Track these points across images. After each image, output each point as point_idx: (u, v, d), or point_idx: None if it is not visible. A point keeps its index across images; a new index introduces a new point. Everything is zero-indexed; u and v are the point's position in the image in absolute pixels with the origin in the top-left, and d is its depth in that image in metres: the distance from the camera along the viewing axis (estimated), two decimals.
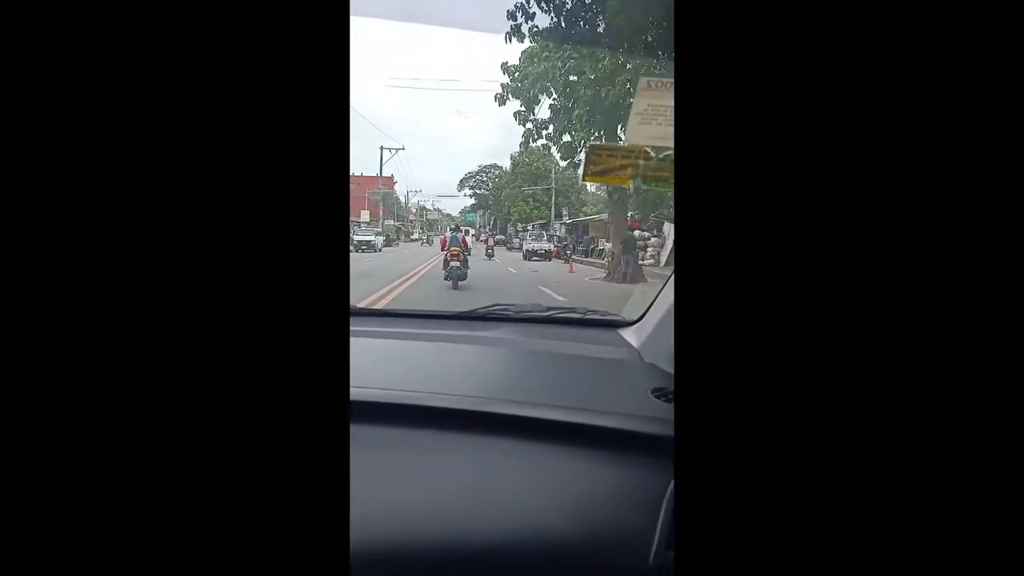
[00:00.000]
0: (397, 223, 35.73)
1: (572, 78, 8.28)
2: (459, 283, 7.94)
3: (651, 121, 0.87)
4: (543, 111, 9.58)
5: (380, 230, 24.60)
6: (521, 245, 20.15)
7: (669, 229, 12.85)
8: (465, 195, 40.92)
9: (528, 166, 29.71)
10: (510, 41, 7.71)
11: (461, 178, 41.01)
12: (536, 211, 28.08)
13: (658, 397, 0.80)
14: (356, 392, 0.49)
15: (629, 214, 10.61)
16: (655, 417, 0.71)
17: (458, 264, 8.02)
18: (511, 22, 7.60)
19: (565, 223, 22.84)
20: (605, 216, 16.94)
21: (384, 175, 28.80)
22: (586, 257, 16.38)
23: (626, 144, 0.89)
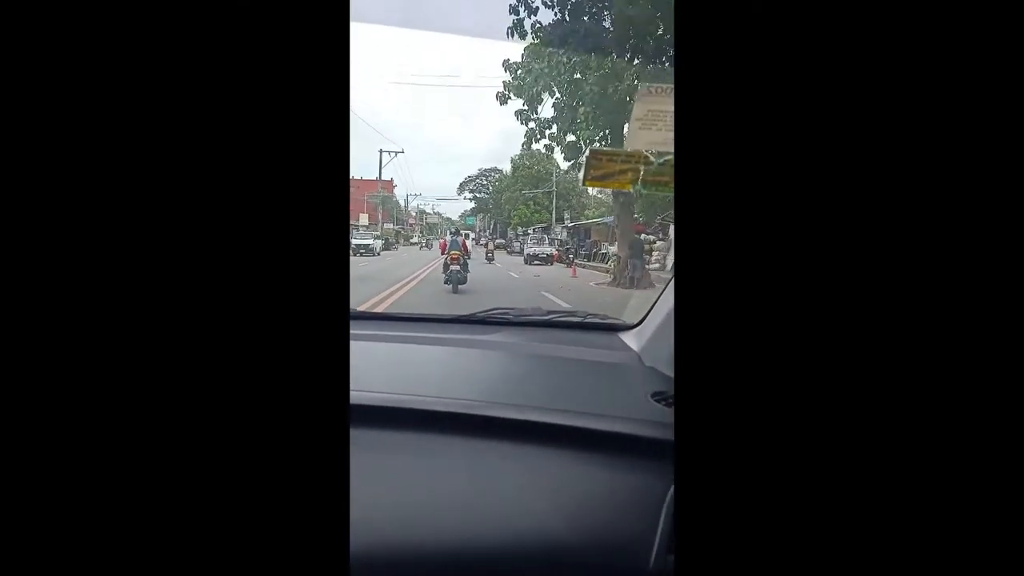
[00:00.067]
0: (396, 227, 35.59)
1: (576, 76, 7.94)
2: (459, 287, 7.92)
3: (651, 126, 0.87)
4: (546, 110, 9.27)
5: (379, 234, 24.40)
6: (522, 249, 20.02)
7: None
8: (465, 198, 40.88)
9: (528, 169, 29.57)
10: (512, 36, 7.46)
11: (461, 182, 40.95)
12: (537, 215, 27.91)
13: (658, 401, 0.79)
14: (356, 396, 0.50)
15: (635, 217, 10.30)
16: (655, 421, 0.71)
17: (458, 268, 7.99)
18: (513, 16, 7.35)
19: (567, 227, 22.59)
20: (608, 219, 16.72)
21: (384, 178, 28.68)
22: (588, 261, 16.14)
23: (626, 149, 0.89)
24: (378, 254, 19.55)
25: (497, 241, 24.96)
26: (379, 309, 5.43)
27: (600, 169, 0.93)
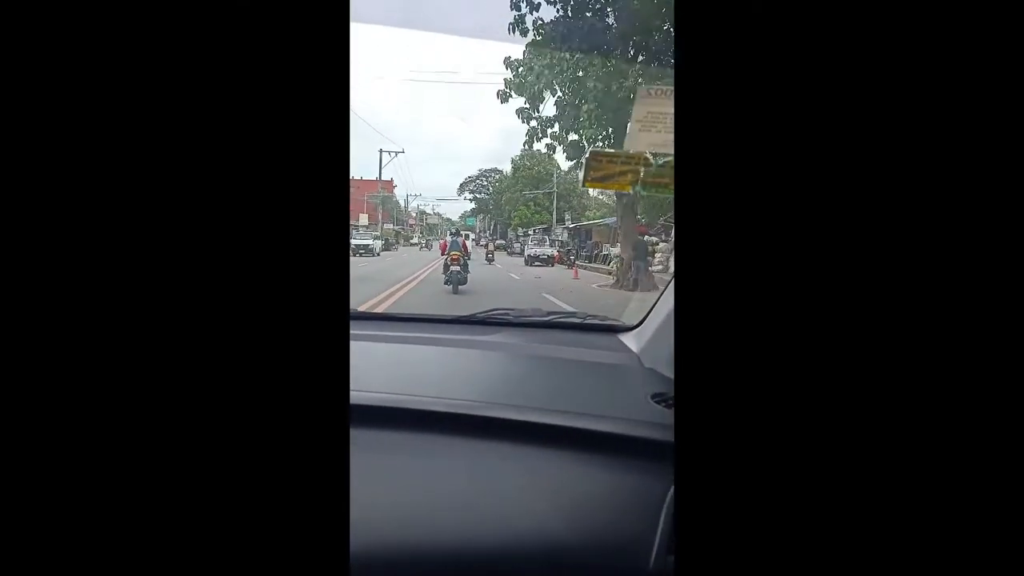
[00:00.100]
0: (396, 227, 35.51)
1: (580, 73, 7.77)
2: (459, 287, 7.94)
3: (651, 128, 0.86)
4: (548, 108, 9.09)
5: (379, 234, 24.29)
6: (522, 250, 19.98)
7: None
8: (465, 199, 40.80)
9: (529, 170, 29.49)
10: (513, 32, 7.33)
11: (461, 182, 40.86)
12: (537, 215, 27.82)
13: (658, 402, 0.80)
14: (356, 396, 0.50)
15: (638, 218, 10.13)
16: (655, 422, 0.71)
17: (458, 268, 8.01)
18: (514, 12, 7.21)
19: (568, 227, 22.46)
20: (610, 220, 16.60)
21: (384, 179, 28.58)
22: (590, 263, 16.01)
23: (626, 150, 0.90)
24: (378, 254, 19.51)
25: (497, 242, 24.88)
26: (379, 310, 5.34)
27: (600, 170, 0.93)
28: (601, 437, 0.68)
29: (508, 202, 30.74)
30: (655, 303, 1.15)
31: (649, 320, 1.14)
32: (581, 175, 1.12)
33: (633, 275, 8.98)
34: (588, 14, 6.97)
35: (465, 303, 6.61)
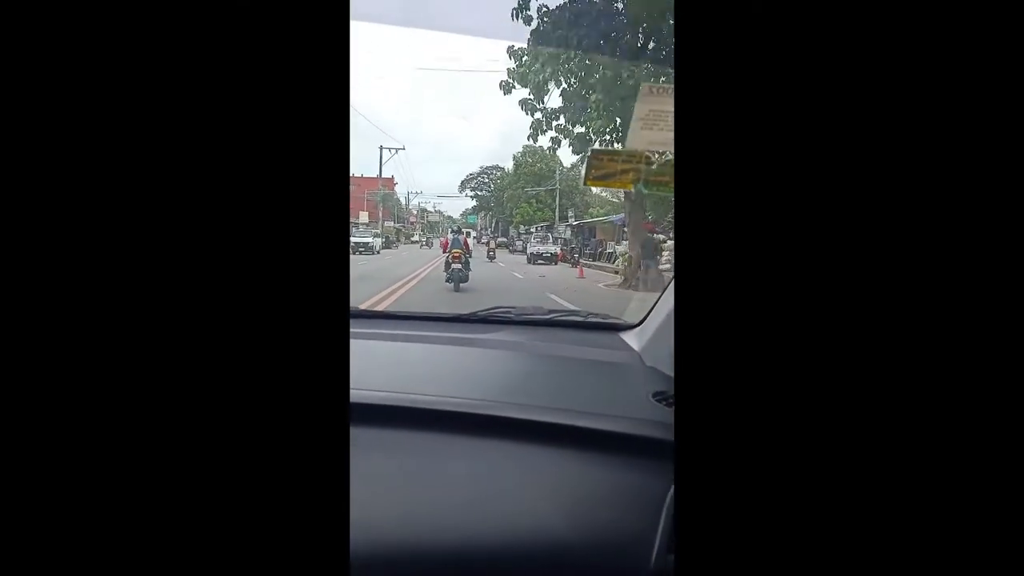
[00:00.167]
0: (397, 225, 35.30)
1: (587, 61, 7.40)
2: (460, 285, 8.01)
3: (652, 126, 0.87)
4: (553, 100, 8.71)
5: (379, 231, 24.03)
6: (524, 248, 19.74)
7: None
8: (467, 196, 40.51)
9: (531, 167, 29.22)
10: (516, 18, 6.99)
11: (463, 179, 40.58)
12: (539, 213, 27.54)
13: (659, 401, 0.79)
14: (357, 394, 0.49)
15: (647, 215, 9.77)
16: (656, 421, 0.71)
17: (460, 266, 8.08)
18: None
19: (571, 225, 22.14)
20: (614, 218, 16.31)
21: (384, 176, 28.33)
22: (594, 261, 15.72)
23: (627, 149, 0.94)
24: (378, 252, 19.39)
25: (499, 240, 24.62)
26: (379, 309, 5.22)
27: (602, 169, 0.93)
28: (602, 435, 0.67)
29: (510, 199, 30.47)
30: (656, 301, 1.14)
31: (650, 318, 1.14)
32: (582, 174, 1.08)
33: (643, 274, 8.66)
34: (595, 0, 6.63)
35: (467, 302, 6.47)
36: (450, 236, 8.89)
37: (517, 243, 25.21)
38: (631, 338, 1.19)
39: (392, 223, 33.24)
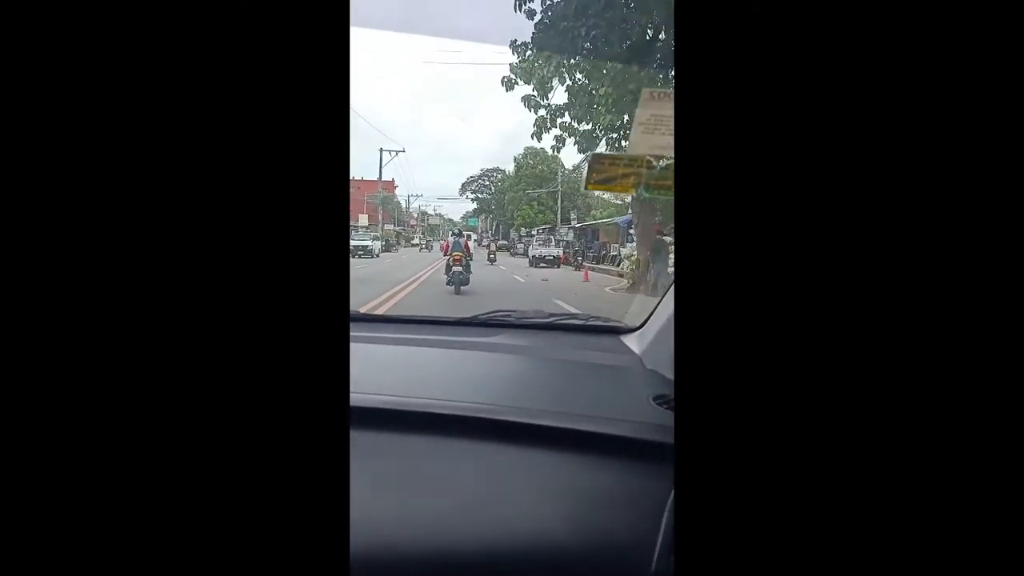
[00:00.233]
0: (398, 228, 35.07)
1: (594, 55, 7.02)
2: (461, 288, 8.00)
3: (654, 131, 0.85)
4: (558, 96, 8.32)
5: (378, 234, 23.74)
6: (525, 250, 19.52)
7: None
8: (467, 198, 40.24)
9: (532, 168, 28.97)
10: (519, 10, 6.66)
11: (463, 182, 40.31)
12: (541, 215, 27.27)
13: (660, 404, 0.79)
14: (357, 398, 0.50)
15: (656, 217, 9.39)
16: (657, 424, 0.71)
17: (460, 269, 8.08)
18: None
19: (573, 227, 21.83)
20: (618, 220, 16.00)
21: (385, 179, 28.03)
22: (597, 264, 15.39)
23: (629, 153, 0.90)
24: (377, 256, 19.36)
25: (500, 242, 24.38)
26: (379, 312, 5.00)
27: (603, 173, 0.92)
28: (603, 439, 0.67)
29: (511, 202, 30.21)
30: (657, 304, 1.13)
31: (651, 322, 1.13)
32: (584, 178, 1.05)
33: (653, 278, 8.30)
34: None
35: (468, 305, 6.31)
36: (451, 239, 8.89)
37: (518, 246, 24.96)
38: (632, 341, 1.18)
39: (392, 226, 32.99)
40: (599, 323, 1.38)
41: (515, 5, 6.42)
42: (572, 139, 8.27)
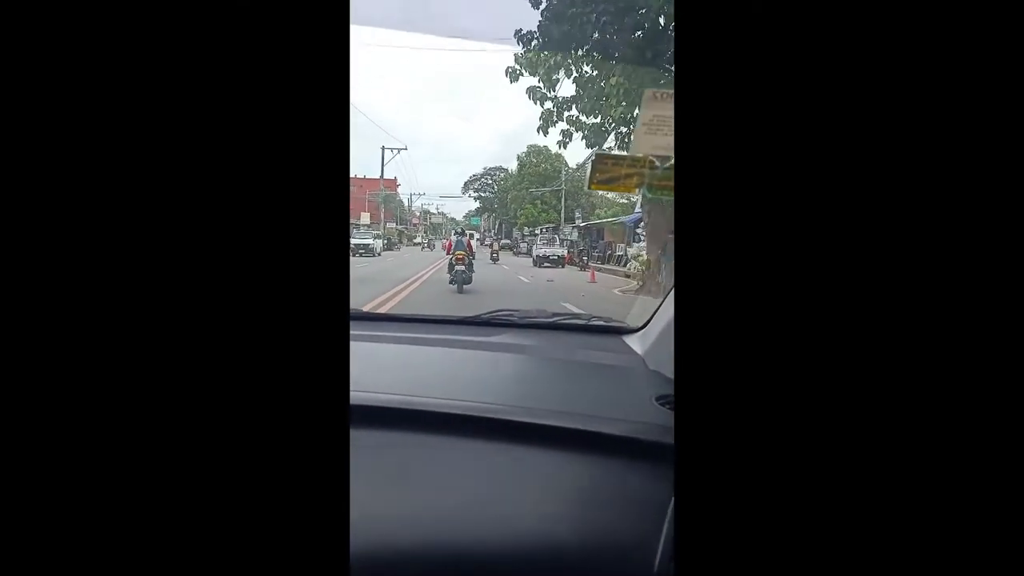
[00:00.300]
0: (400, 227, 34.87)
1: (604, 40, 6.63)
2: (464, 287, 8.05)
3: (657, 131, 0.86)
4: (565, 89, 7.96)
5: (380, 233, 23.48)
6: (529, 250, 19.29)
7: None
8: (470, 197, 40.02)
9: (536, 167, 28.72)
10: None
11: (466, 180, 40.08)
12: (544, 214, 27.03)
13: (662, 404, 0.78)
14: (359, 396, 0.50)
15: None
16: (659, 424, 0.70)
17: (463, 268, 8.09)
18: None
19: (578, 227, 21.52)
20: (625, 219, 15.71)
21: (387, 177, 27.78)
22: (603, 264, 15.11)
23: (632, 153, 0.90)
24: (378, 254, 19.15)
25: (503, 241, 24.12)
26: (382, 311, 4.83)
27: (606, 173, 0.92)
28: (605, 439, 0.66)
29: (514, 200, 29.97)
30: (659, 305, 1.13)
31: (654, 322, 1.14)
32: (587, 178, 0.99)
33: (663, 278, 8.00)
34: None
35: (470, 305, 6.07)
36: (454, 238, 8.92)
37: (521, 245, 24.73)
38: (634, 342, 1.18)
39: (395, 225, 32.76)
40: (602, 323, 1.37)
41: None
42: (580, 134, 7.95)
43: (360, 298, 6.20)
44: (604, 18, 6.02)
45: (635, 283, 9.41)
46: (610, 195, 18.70)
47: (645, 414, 0.75)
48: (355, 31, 0.44)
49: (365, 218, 27.03)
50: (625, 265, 12.34)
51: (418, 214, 44.25)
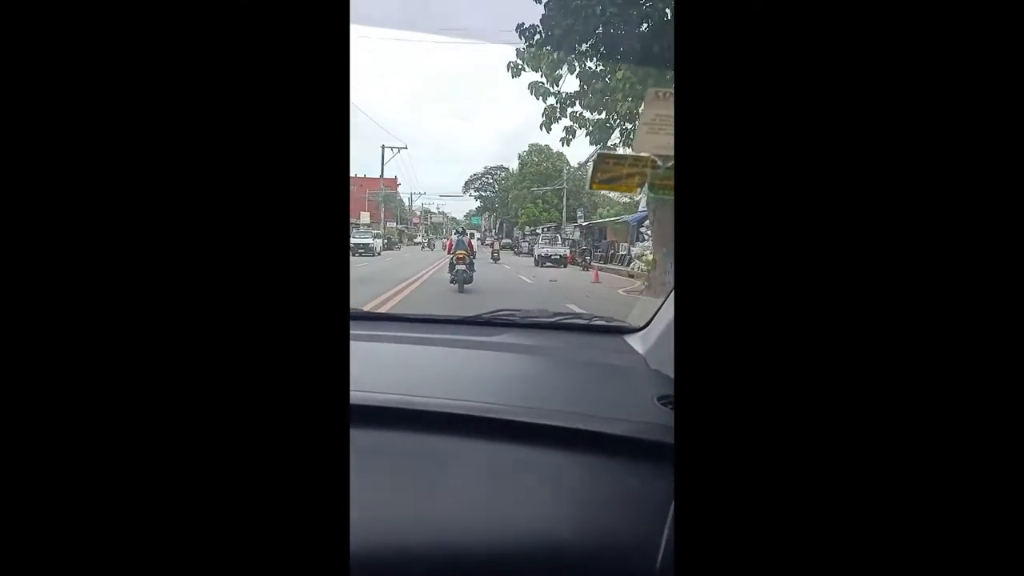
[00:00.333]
0: (400, 226, 34.72)
1: (610, 30, 6.40)
2: (465, 286, 8.05)
3: (658, 131, 0.86)
4: (568, 84, 7.75)
5: (380, 232, 23.32)
6: (530, 249, 19.13)
7: None
8: (470, 196, 39.86)
9: (537, 166, 28.57)
10: None
11: (466, 180, 39.93)
12: (545, 214, 26.85)
13: (664, 404, 0.78)
14: (359, 396, 0.50)
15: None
16: (660, 424, 0.70)
17: (464, 267, 8.08)
18: None
19: (580, 226, 21.34)
20: (628, 218, 15.54)
21: (387, 177, 27.59)
22: (605, 264, 14.93)
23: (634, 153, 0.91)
24: (378, 254, 19.02)
25: (504, 241, 23.96)
26: (382, 310, 4.76)
27: (608, 172, 0.92)
28: (607, 439, 0.66)
29: (515, 200, 29.80)
30: (661, 305, 1.13)
31: (655, 322, 1.13)
32: (588, 177, 0.98)
33: (669, 278, 7.84)
34: None
35: (471, 305, 5.85)
36: (454, 237, 8.86)
37: (522, 244, 24.56)
38: (635, 341, 1.18)
39: (395, 224, 32.60)
40: (603, 323, 1.36)
41: None
42: (583, 131, 7.75)
43: (360, 298, 6.15)
44: (610, 10, 5.83)
45: (640, 283, 9.24)
46: (612, 194, 18.52)
47: (647, 414, 0.75)
48: (355, 30, 0.45)
49: (365, 217, 26.87)
50: (629, 265, 12.17)
51: (418, 213, 44.10)
